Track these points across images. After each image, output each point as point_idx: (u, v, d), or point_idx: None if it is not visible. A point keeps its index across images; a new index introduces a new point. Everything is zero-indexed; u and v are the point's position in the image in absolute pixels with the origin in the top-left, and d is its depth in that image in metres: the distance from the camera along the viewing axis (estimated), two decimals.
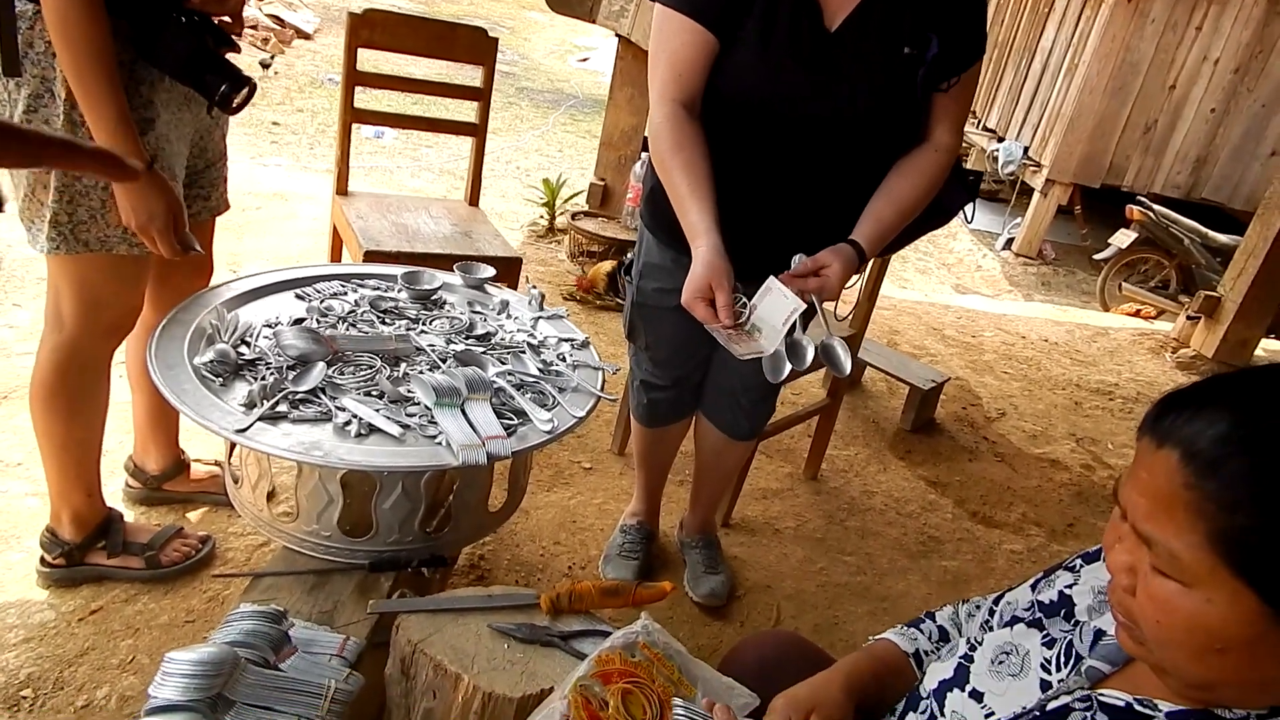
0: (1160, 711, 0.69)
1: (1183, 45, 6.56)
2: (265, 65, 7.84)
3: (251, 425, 1.20)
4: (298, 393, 1.29)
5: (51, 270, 1.50)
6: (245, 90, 1.47)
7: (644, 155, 2.53)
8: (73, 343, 1.52)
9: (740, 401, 1.77)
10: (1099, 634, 0.81)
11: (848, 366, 1.35)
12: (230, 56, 1.50)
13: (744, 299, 1.30)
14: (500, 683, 1.02)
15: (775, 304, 1.25)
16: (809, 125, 1.38)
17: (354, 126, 2.35)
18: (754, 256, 1.42)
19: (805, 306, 1.23)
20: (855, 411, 2.97)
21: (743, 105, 1.38)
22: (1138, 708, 0.70)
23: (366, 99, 2.54)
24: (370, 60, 2.37)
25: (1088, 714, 0.73)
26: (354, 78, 2.25)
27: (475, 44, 2.37)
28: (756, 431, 1.88)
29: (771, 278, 1.28)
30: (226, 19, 1.53)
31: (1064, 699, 0.76)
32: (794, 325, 1.31)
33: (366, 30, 2.22)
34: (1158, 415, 0.67)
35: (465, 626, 1.10)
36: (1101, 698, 0.74)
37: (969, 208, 1.62)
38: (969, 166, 1.61)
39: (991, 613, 1.00)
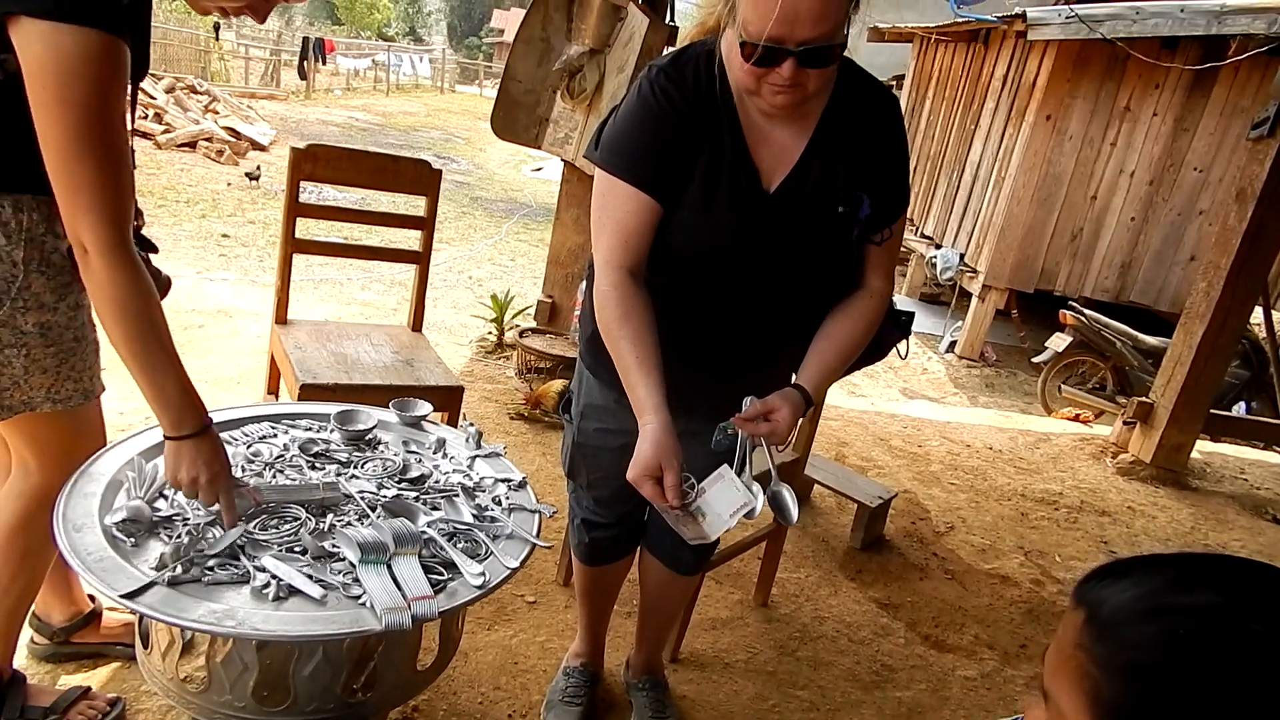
0: None
1: (1100, 159, 6.99)
2: (253, 177, 7.91)
3: (146, 589, 1.14)
4: (214, 553, 1.24)
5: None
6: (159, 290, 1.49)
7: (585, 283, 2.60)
8: (45, 487, 1.46)
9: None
10: None
11: (795, 515, 1.35)
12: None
13: (692, 480, 1.30)
14: None
15: (725, 493, 1.25)
16: (747, 275, 1.42)
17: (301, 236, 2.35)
18: (701, 397, 1.43)
19: (758, 505, 1.23)
20: (805, 530, 2.94)
21: (686, 258, 1.42)
22: None
23: (311, 224, 2.55)
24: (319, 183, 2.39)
25: None
26: (295, 210, 2.27)
27: (418, 176, 2.42)
28: (702, 565, 1.85)
29: (725, 467, 1.28)
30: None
31: None
32: (745, 467, 1.32)
33: (309, 164, 2.25)
34: (1086, 578, 0.68)
35: None
36: None
37: (902, 345, 1.67)
38: (901, 305, 1.66)
39: None
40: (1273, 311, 5.38)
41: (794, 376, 1.44)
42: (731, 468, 1.32)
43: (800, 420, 1.43)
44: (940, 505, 3.39)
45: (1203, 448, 4.58)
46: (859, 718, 2.07)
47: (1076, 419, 5.25)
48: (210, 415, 1.33)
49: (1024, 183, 7.00)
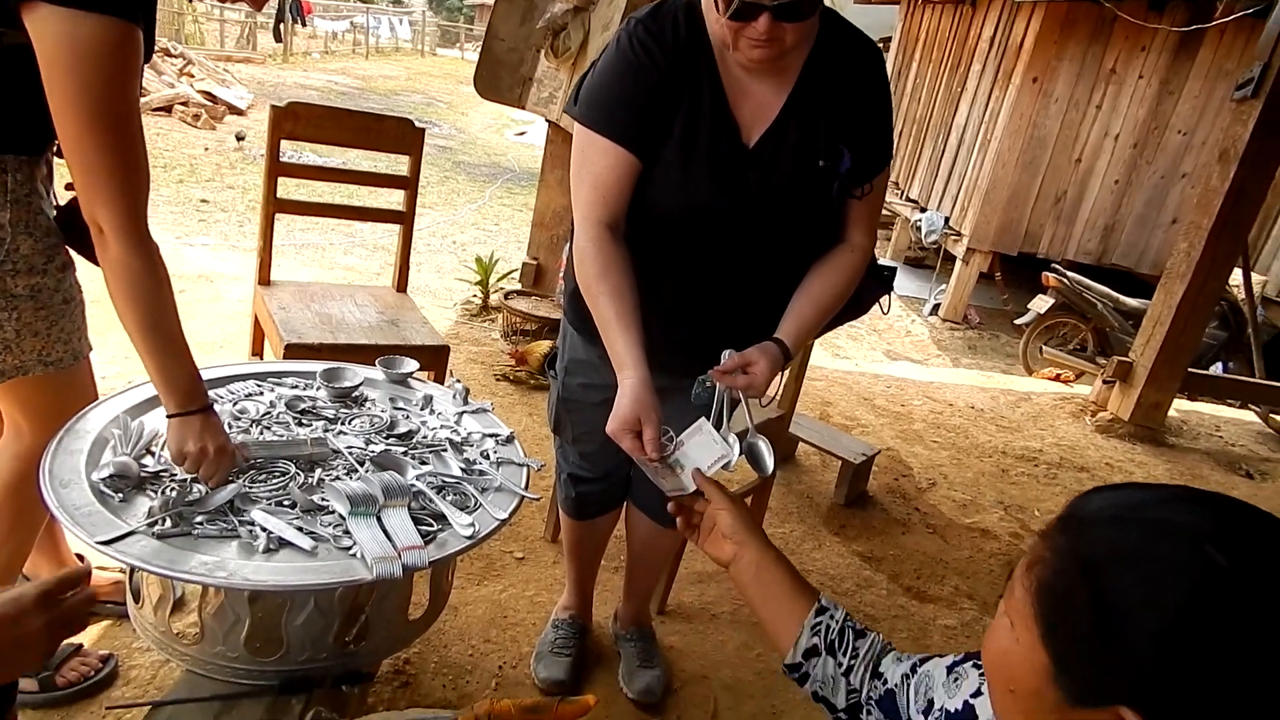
0: None
1: (1085, 122, 6.99)
2: (240, 138, 7.78)
3: (125, 537, 1.15)
4: (204, 511, 1.24)
5: None
6: None
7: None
8: (38, 449, 1.45)
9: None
10: None
11: (771, 466, 1.36)
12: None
13: (670, 433, 1.31)
14: None
15: (703, 446, 1.26)
16: (729, 233, 1.42)
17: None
18: (682, 354, 1.44)
19: (736, 457, 1.24)
20: (790, 487, 2.98)
21: (665, 215, 1.42)
22: None
23: (293, 186, 2.52)
24: (304, 144, 2.36)
25: None
26: (276, 169, 2.24)
27: (401, 135, 2.39)
28: None
29: (702, 420, 1.29)
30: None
31: None
32: (723, 420, 1.33)
33: (290, 123, 2.22)
34: (1083, 494, 0.71)
35: None
36: None
37: (884, 300, 1.68)
38: (884, 261, 1.66)
39: (914, 670, 1.00)
40: (1252, 273, 5.44)
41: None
42: (710, 420, 1.33)
43: (779, 373, 1.44)
44: (922, 462, 3.44)
45: (1180, 406, 4.65)
46: None
47: (1057, 379, 5.32)
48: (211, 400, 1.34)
49: (1009, 146, 7.00)
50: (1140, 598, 0.60)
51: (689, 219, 1.42)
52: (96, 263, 1.38)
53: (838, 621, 1.06)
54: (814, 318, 1.45)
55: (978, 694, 0.90)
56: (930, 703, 0.95)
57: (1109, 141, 7.03)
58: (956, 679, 0.95)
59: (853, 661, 1.04)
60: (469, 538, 1.31)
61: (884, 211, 9.24)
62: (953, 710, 0.91)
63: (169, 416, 1.30)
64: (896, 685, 1.00)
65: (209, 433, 1.29)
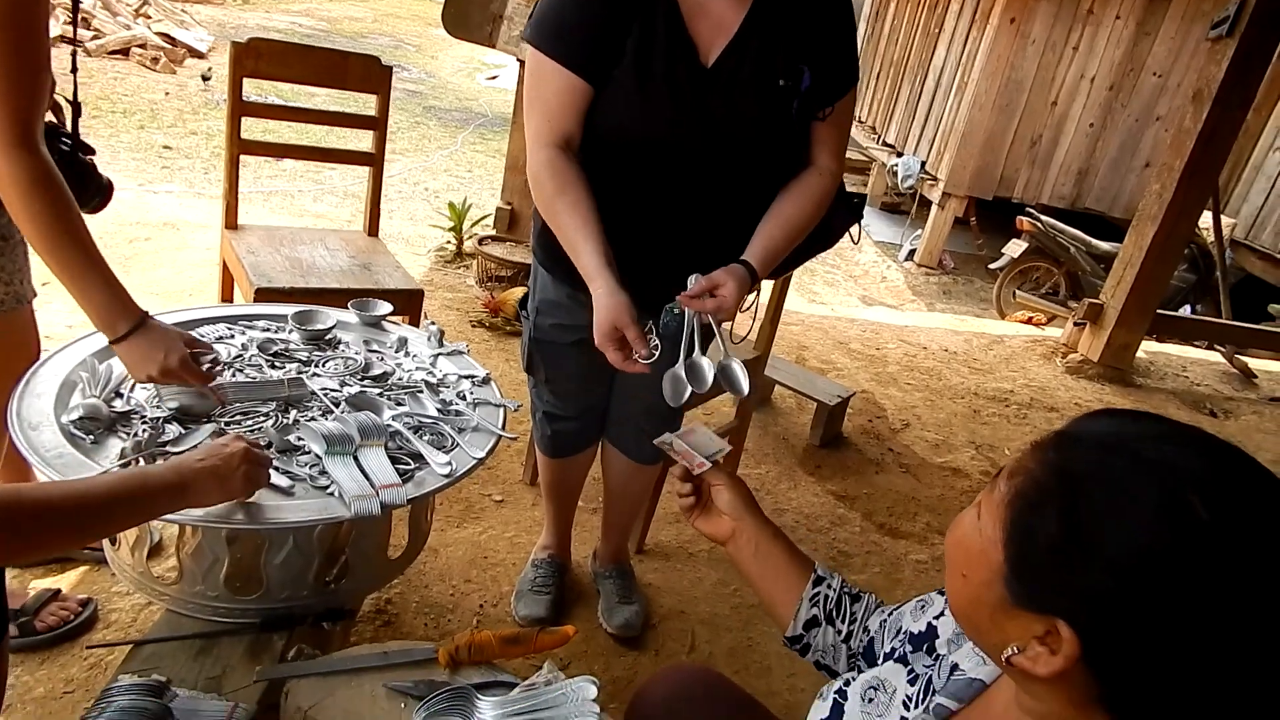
0: None
1: (1062, 64, 6.95)
2: (206, 79, 7.52)
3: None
4: (178, 451, 1.23)
5: None
6: (97, 198, 1.42)
7: None
8: None
9: (643, 426, 1.77)
10: (953, 668, 0.84)
11: (746, 387, 1.35)
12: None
13: (651, 325, 1.30)
14: None
15: (701, 441, 1.21)
16: (690, 157, 1.40)
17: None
18: (650, 285, 1.43)
19: (728, 449, 1.22)
20: (765, 429, 3.01)
21: (623, 142, 1.40)
22: None
23: (259, 126, 2.45)
24: (271, 84, 2.30)
25: None
26: (240, 108, 2.18)
27: (368, 73, 2.33)
28: (660, 455, 1.88)
29: (696, 424, 1.27)
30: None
31: None
32: (694, 346, 1.33)
33: (252, 60, 2.15)
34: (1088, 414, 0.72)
35: (359, 688, 1.06)
36: None
37: (855, 230, 1.67)
38: (855, 190, 1.65)
39: (891, 613, 1.03)
40: (1221, 216, 5.49)
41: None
42: (682, 348, 1.32)
43: (747, 299, 1.41)
44: (896, 404, 3.48)
45: (1148, 348, 4.73)
46: None
47: (1029, 322, 5.38)
48: (145, 310, 1.30)
49: (986, 88, 6.95)
50: (1110, 527, 0.60)
51: (648, 144, 1.39)
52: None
53: (835, 590, 1.08)
54: (782, 240, 1.43)
55: (940, 615, 0.93)
56: (898, 631, 0.98)
57: (1085, 84, 7.00)
58: (924, 605, 0.97)
59: (851, 627, 1.06)
60: (446, 476, 1.31)
61: (860, 157, 9.20)
62: (915, 631, 0.94)
63: (111, 344, 1.28)
64: (876, 632, 1.03)
65: (157, 347, 1.27)
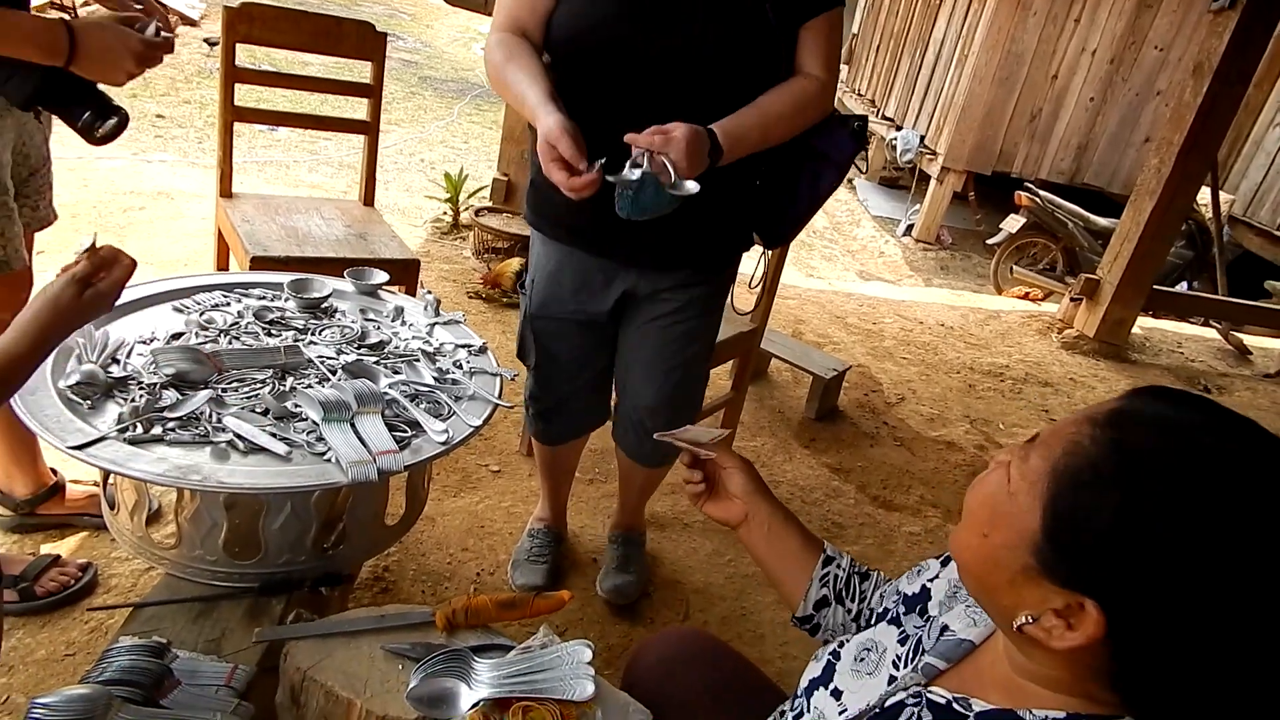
0: (972, 711, 0.73)
1: (1063, 37, 6.89)
2: (212, 44, 7.40)
3: (97, 441, 1.14)
4: (175, 416, 1.24)
5: None
6: (114, 120, 1.38)
7: None
8: None
9: (646, 425, 1.74)
10: (943, 629, 0.85)
11: (696, 187, 1.28)
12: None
13: (602, 162, 1.26)
14: (394, 705, 1.01)
15: (698, 431, 1.18)
16: (663, 66, 1.37)
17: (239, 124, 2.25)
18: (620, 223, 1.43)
19: (726, 433, 1.19)
20: (761, 403, 3.02)
21: (594, 50, 1.39)
22: (955, 706, 0.74)
23: (257, 92, 2.43)
24: (265, 54, 2.27)
25: (916, 710, 0.76)
26: (233, 74, 2.16)
27: (363, 39, 2.30)
28: (665, 459, 1.85)
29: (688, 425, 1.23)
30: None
31: (900, 695, 0.80)
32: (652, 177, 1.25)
33: (244, 25, 2.12)
34: (1134, 391, 0.72)
35: (357, 650, 1.08)
36: (929, 695, 0.77)
37: (861, 161, 1.59)
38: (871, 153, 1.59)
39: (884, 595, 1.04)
40: (1220, 191, 5.48)
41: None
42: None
43: (701, 149, 1.30)
44: (892, 378, 3.50)
45: (1143, 324, 4.75)
46: None
47: (1025, 297, 5.38)
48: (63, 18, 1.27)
49: (986, 61, 6.89)
50: (1166, 518, 0.60)
51: (616, 46, 1.37)
52: (85, 135, 1.34)
53: (844, 570, 1.09)
54: (753, 122, 1.38)
55: (934, 579, 0.94)
56: (895, 594, 0.99)
57: (1085, 57, 6.95)
58: (919, 570, 0.98)
59: (860, 606, 1.07)
60: (443, 444, 1.32)
61: None
62: (909, 594, 0.95)
63: (68, 67, 1.25)
64: (875, 605, 1.04)
65: (109, 45, 1.27)
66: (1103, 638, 0.63)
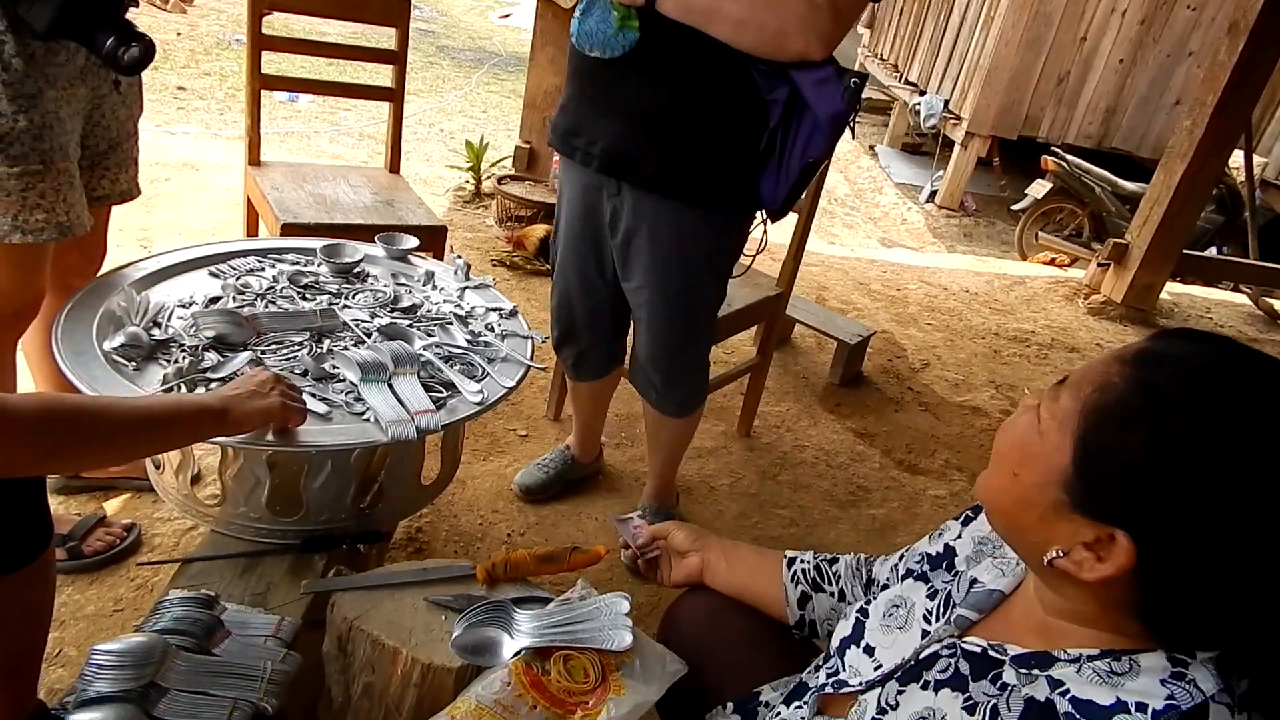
0: (1007, 655, 0.74)
1: None
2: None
3: None
4: (218, 377, 1.26)
5: None
6: (138, 48, 1.36)
7: None
8: None
9: (652, 378, 1.80)
10: (972, 582, 0.86)
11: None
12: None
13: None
14: (439, 654, 1.04)
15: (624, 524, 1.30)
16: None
17: (265, 92, 2.26)
18: (597, 139, 1.52)
19: (637, 513, 1.28)
20: (786, 368, 3.03)
21: None
22: (991, 653, 0.76)
23: (276, 63, 2.44)
24: (283, 21, 2.28)
25: (952, 660, 0.78)
26: (259, 41, 2.16)
27: (387, 5, 2.30)
28: (684, 408, 1.85)
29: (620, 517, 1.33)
30: None
31: (934, 647, 0.82)
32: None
33: None
34: (1159, 333, 0.73)
35: (401, 601, 1.11)
36: (964, 645, 0.79)
37: (853, 123, 1.57)
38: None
39: (900, 555, 1.06)
40: (1253, 155, 5.36)
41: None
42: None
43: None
44: (916, 344, 3.48)
45: (1172, 289, 4.68)
46: (835, 531, 2.22)
47: (1051, 263, 5.32)
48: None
49: (1013, 23, 6.74)
50: (1192, 449, 0.62)
51: None
52: (111, 64, 1.33)
53: (809, 562, 1.13)
54: None
55: (957, 538, 0.95)
56: (917, 556, 1.01)
57: (1115, 18, 6.78)
58: (940, 533, 0.99)
59: (840, 586, 1.11)
60: (478, 404, 1.34)
61: (881, 96, 8.99)
62: (933, 553, 0.96)
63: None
64: (887, 578, 1.05)
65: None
66: (1132, 568, 0.65)
